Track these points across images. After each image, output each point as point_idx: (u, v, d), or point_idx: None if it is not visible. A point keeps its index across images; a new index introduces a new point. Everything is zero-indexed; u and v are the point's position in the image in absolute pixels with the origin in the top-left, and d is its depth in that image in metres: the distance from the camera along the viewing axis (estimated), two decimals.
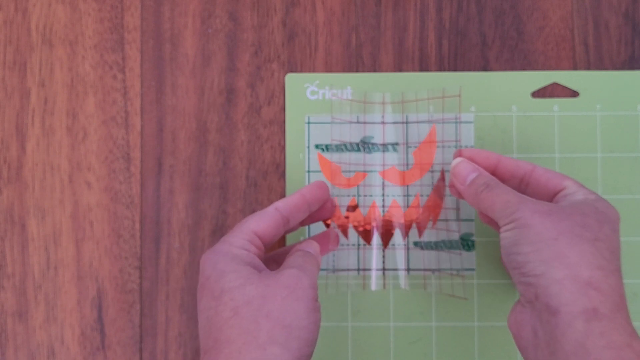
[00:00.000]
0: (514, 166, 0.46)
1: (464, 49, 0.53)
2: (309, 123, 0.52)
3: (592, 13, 0.53)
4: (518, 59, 0.53)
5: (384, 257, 0.51)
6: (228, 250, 0.42)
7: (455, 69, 0.53)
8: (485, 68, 0.53)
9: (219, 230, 0.52)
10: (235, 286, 0.40)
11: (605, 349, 0.36)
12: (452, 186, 0.48)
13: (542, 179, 0.44)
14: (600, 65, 0.53)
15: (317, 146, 0.52)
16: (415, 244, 0.51)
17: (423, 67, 0.53)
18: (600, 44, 0.53)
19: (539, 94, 0.52)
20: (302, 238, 0.51)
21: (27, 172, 0.52)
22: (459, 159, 0.47)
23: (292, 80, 0.52)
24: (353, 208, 0.51)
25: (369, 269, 0.51)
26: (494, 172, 0.46)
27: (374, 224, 0.51)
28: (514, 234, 0.41)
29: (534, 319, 0.40)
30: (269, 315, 0.39)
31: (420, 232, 0.51)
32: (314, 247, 0.45)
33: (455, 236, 0.51)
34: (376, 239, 0.51)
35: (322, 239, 0.49)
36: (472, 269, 0.51)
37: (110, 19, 0.53)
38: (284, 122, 0.52)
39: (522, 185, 0.45)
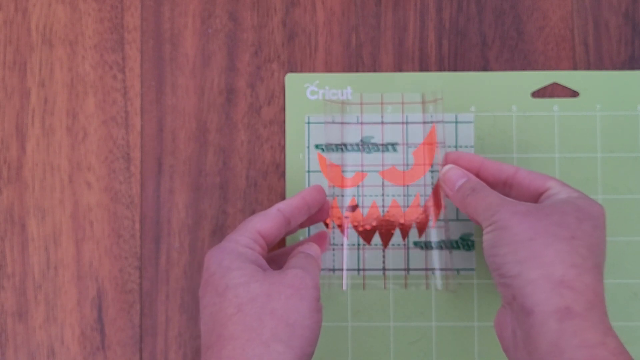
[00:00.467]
0: (497, 169, 0.46)
1: (464, 49, 0.53)
2: (309, 123, 0.52)
3: (592, 13, 0.53)
4: (518, 59, 0.53)
5: (384, 257, 0.51)
6: (234, 248, 0.42)
7: (455, 69, 0.53)
8: (485, 68, 0.53)
9: (219, 230, 0.52)
10: (240, 283, 0.40)
11: (579, 347, 0.36)
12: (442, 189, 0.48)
13: (525, 181, 0.45)
14: (600, 65, 0.53)
15: (317, 146, 0.52)
16: (415, 244, 0.51)
17: (423, 67, 0.53)
18: (600, 44, 0.53)
19: (539, 94, 0.52)
20: (301, 238, 0.51)
21: (27, 172, 0.52)
22: (449, 166, 0.47)
23: (292, 80, 0.52)
24: (353, 208, 0.51)
25: (369, 269, 0.51)
26: (477, 176, 0.47)
27: (374, 223, 0.51)
28: (493, 235, 0.41)
29: (513, 320, 0.40)
30: (273, 313, 0.39)
31: (420, 232, 0.51)
32: (314, 249, 0.46)
33: (455, 236, 0.51)
34: (350, 237, 0.51)
35: (317, 240, 0.49)
36: (472, 269, 0.51)
37: (110, 19, 0.53)
38: (284, 122, 0.52)
39: (506, 188, 0.46)
